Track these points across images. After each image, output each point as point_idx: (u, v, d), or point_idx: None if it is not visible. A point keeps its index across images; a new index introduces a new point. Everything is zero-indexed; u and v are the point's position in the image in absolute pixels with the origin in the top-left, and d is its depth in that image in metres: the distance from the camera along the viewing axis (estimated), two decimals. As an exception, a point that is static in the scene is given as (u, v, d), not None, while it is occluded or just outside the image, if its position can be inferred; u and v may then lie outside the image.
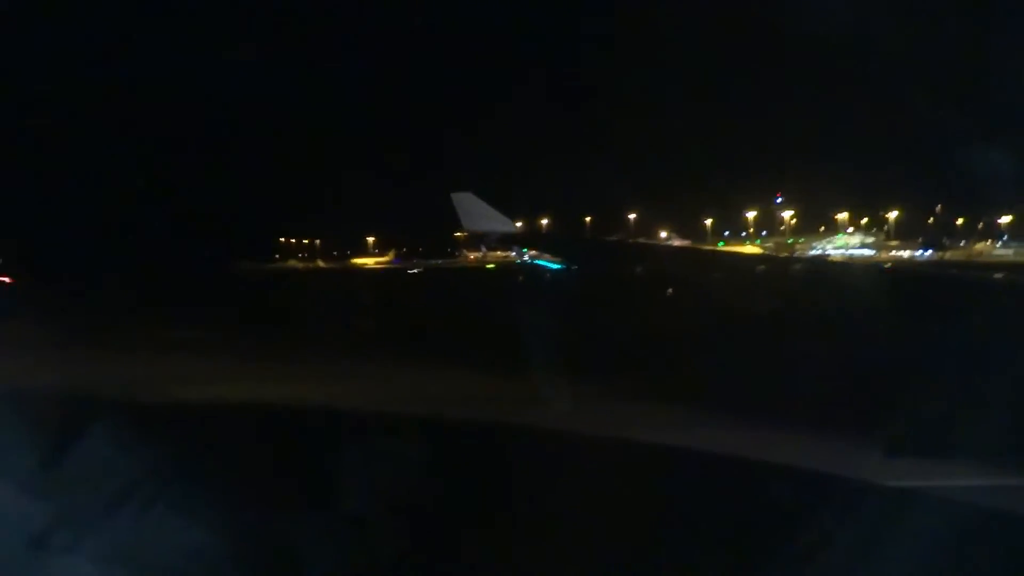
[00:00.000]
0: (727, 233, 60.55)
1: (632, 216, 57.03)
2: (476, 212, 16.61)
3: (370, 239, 76.90)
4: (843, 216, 58.13)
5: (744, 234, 59.90)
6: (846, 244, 55.57)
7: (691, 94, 55.70)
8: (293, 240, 77.90)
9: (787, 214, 58.65)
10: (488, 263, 58.77)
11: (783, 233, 58.20)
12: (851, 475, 4.45)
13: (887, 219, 56.86)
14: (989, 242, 53.31)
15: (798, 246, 54.67)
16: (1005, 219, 52.37)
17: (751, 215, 59.46)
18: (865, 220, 57.77)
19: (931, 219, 54.32)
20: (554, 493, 4.43)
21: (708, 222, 59.54)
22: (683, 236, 53.12)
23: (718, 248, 44.91)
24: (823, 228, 58.94)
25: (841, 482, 4.36)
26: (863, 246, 54.90)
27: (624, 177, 56.86)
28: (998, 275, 10.47)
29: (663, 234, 54.38)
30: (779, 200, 57.62)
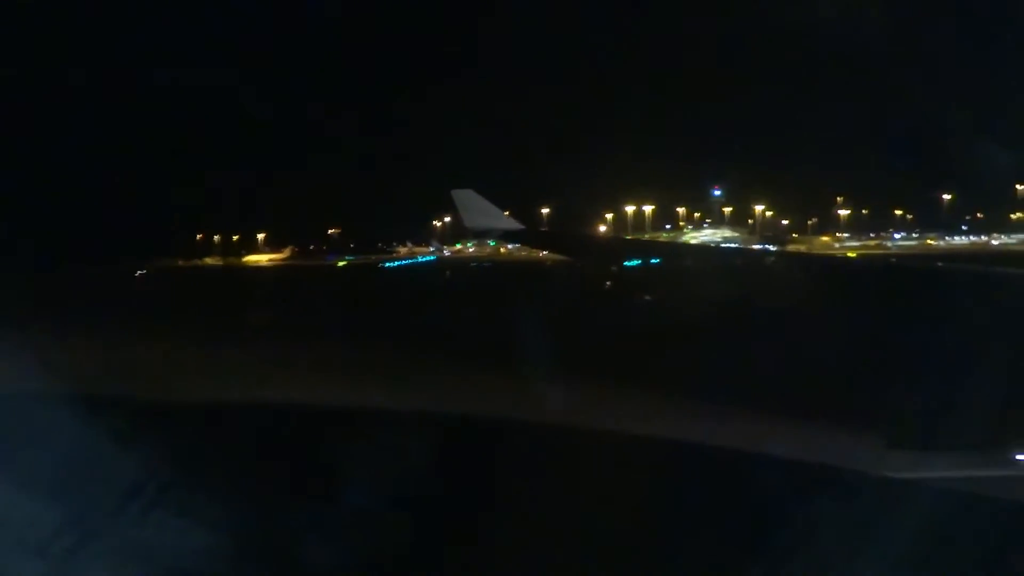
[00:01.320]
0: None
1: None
2: (477, 209, 16.40)
3: (260, 235, 75.86)
4: (728, 211, 64.76)
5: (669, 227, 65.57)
6: (713, 236, 60.11)
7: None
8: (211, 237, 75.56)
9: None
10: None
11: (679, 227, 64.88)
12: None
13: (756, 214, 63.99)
14: (834, 235, 60.44)
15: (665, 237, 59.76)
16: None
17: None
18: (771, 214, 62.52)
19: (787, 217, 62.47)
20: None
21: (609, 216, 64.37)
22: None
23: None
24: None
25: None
26: (725, 239, 59.20)
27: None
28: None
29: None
30: (717, 193, 62.90)
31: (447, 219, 69.58)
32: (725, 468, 4.73)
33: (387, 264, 60.93)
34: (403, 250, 69.12)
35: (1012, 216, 56.19)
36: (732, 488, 4.30)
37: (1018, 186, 55.71)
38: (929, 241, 56.94)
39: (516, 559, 3.65)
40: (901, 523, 3.46)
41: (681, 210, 64.94)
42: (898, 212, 61.18)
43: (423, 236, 69.83)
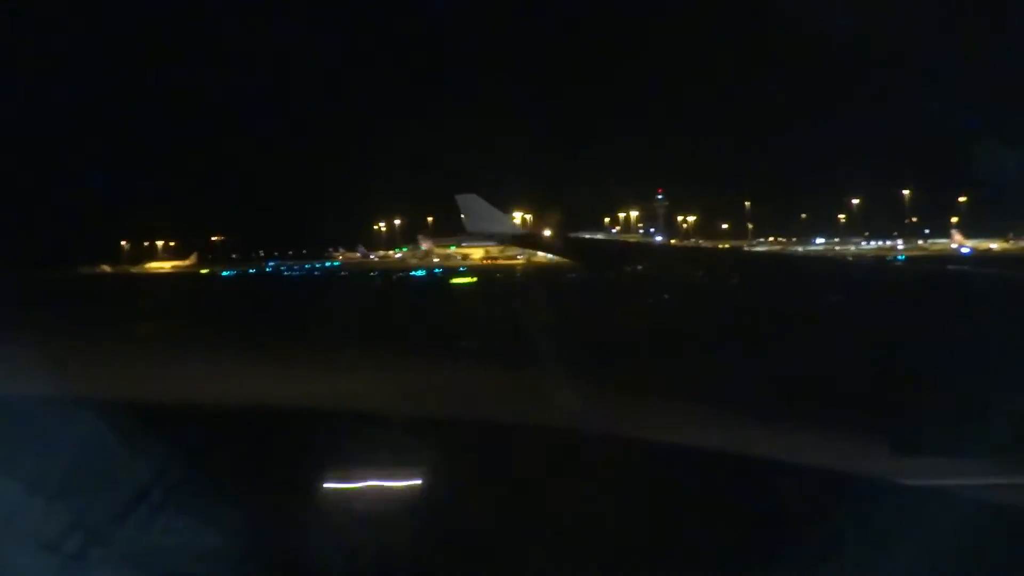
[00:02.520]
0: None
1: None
2: (480, 213, 16.53)
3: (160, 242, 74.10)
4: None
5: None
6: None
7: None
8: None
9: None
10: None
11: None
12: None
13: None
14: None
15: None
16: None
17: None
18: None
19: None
20: None
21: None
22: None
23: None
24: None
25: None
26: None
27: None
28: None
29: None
30: (660, 196, 68.28)
31: (382, 225, 69.87)
32: (727, 473, 4.67)
33: (224, 273, 60.93)
34: (336, 255, 69.10)
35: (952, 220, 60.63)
36: (733, 493, 4.29)
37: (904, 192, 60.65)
38: (837, 247, 60.19)
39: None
40: (915, 532, 3.41)
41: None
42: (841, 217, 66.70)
43: (356, 242, 69.89)
